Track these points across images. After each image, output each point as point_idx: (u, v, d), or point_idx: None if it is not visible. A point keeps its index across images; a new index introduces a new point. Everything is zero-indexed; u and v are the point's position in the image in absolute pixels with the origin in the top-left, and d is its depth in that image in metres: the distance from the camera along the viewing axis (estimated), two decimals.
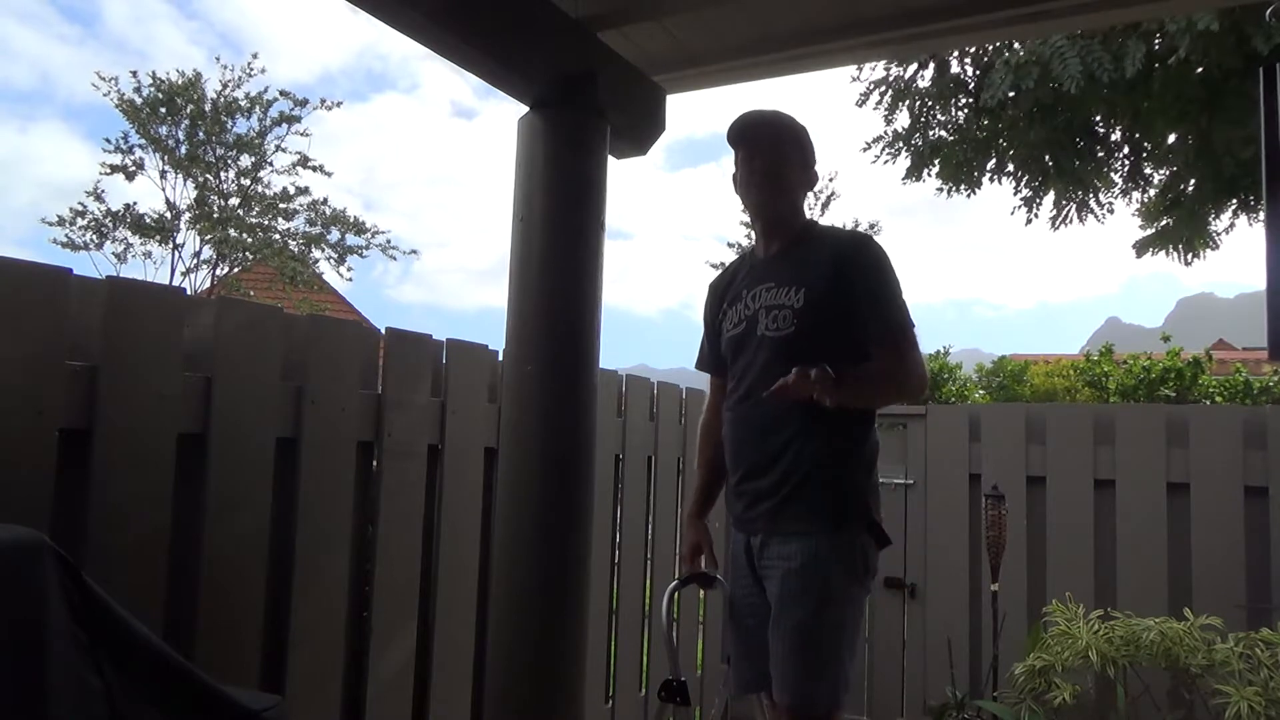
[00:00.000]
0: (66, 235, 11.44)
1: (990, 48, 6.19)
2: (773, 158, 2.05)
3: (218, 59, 13.83)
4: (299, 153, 12.37)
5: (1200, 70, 5.40)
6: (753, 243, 2.27)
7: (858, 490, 1.93)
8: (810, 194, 2.27)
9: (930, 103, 7.18)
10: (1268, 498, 2.96)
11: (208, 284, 11.91)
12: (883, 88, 7.35)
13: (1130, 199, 7.48)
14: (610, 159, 2.38)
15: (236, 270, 12.43)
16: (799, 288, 1.95)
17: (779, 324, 1.95)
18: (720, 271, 2.29)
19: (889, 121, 7.44)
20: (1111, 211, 7.46)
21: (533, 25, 2.17)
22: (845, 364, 1.88)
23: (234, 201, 12.18)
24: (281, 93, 12.13)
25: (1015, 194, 7.40)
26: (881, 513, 2.00)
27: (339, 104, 13.04)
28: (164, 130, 11.57)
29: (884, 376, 1.92)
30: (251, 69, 12.00)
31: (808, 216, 2.16)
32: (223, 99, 11.78)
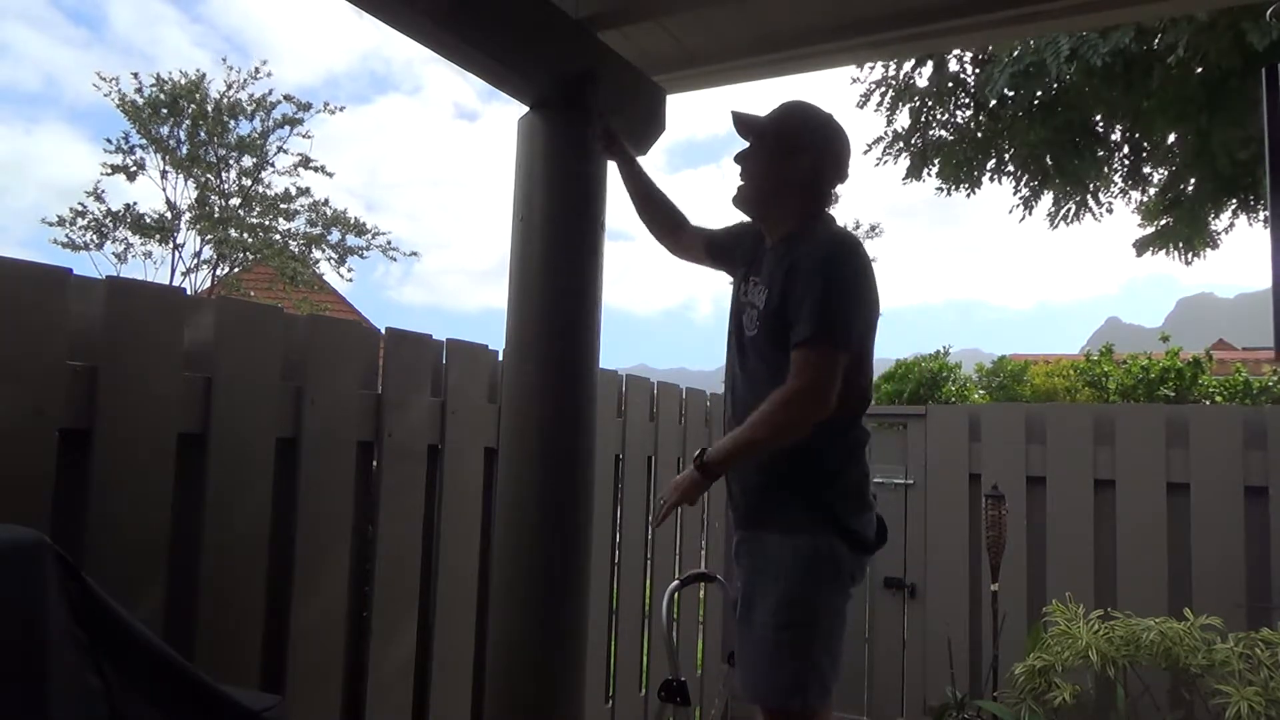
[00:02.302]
0: (67, 235, 11.46)
1: (990, 46, 6.19)
2: (744, 161, 1.99)
3: (224, 60, 13.84)
4: (301, 154, 12.39)
5: (1200, 70, 5.41)
6: None
7: (817, 494, 1.84)
8: (819, 182, 1.98)
9: (930, 102, 7.19)
10: (1268, 498, 2.95)
11: (208, 284, 11.91)
12: (883, 88, 7.36)
13: (1130, 199, 7.49)
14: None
15: (237, 270, 12.43)
16: (766, 289, 1.90)
17: (750, 324, 1.93)
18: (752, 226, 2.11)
19: (889, 122, 7.45)
20: (1111, 211, 7.48)
21: (533, 25, 2.17)
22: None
23: (235, 202, 12.18)
24: (285, 96, 12.15)
25: (1015, 193, 7.41)
26: (874, 511, 1.92)
27: (342, 109, 13.07)
28: (165, 130, 11.58)
29: (759, 422, 1.77)
30: (258, 73, 12.03)
31: (814, 211, 1.96)
32: (226, 100, 11.79)
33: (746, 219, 2.11)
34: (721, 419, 2.87)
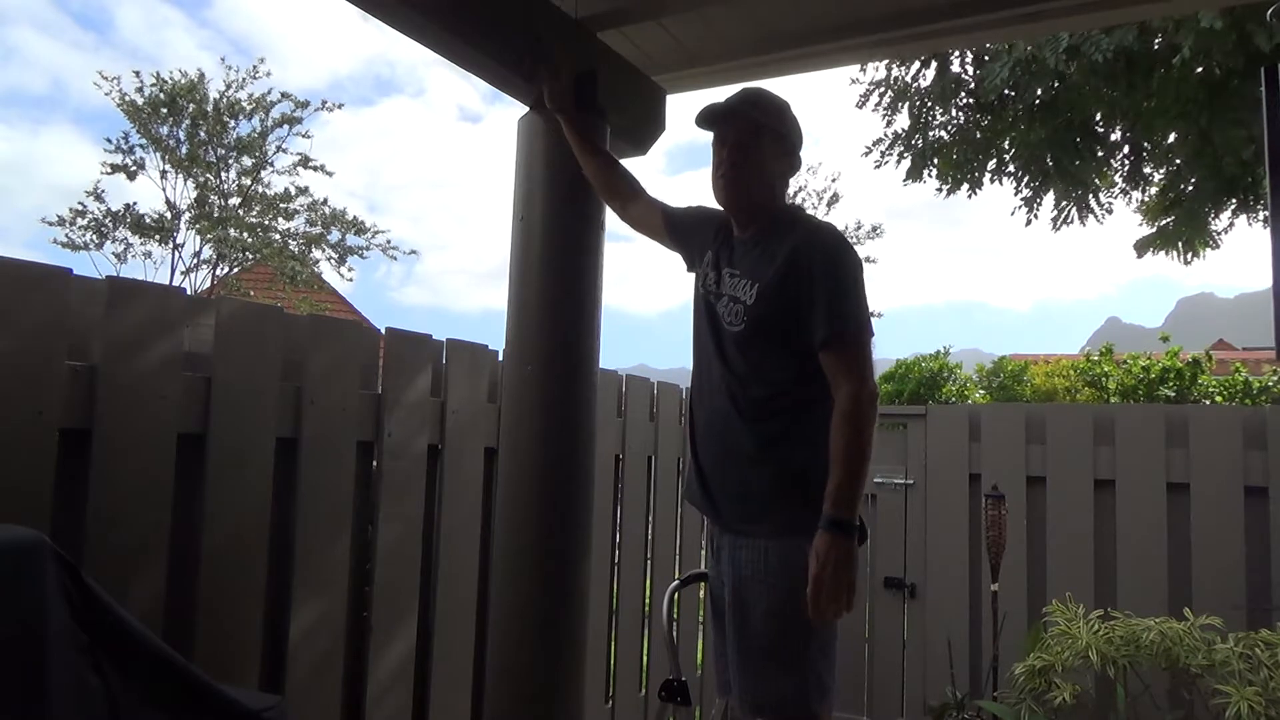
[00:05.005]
0: (67, 235, 11.46)
1: (990, 45, 6.19)
2: (747, 151, 1.89)
3: (223, 59, 13.85)
4: (300, 153, 12.39)
5: (1201, 70, 5.41)
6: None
7: (809, 494, 1.75)
8: (791, 179, 2.04)
9: (930, 103, 7.20)
10: (1268, 498, 2.95)
11: (208, 284, 11.91)
12: (882, 88, 7.36)
13: (1130, 199, 7.49)
14: None
15: (236, 270, 12.43)
16: (754, 283, 1.85)
17: (732, 318, 1.87)
18: (717, 211, 2.06)
19: (889, 123, 7.46)
20: (1111, 211, 7.47)
21: (533, 26, 2.17)
22: (789, 367, 1.81)
23: (234, 201, 12.18)
24: (284, 94, 12.14)
25: (1016, 194, 7.41)
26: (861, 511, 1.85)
27: (340, 106, 13.07)
28: (165, 130, 11.58)
29: (848, 445, 1.70)
30: (257, 72, 12.02)
31: (786, 202, 2.01)
32: (225, 99, 11.79)
33: (705, 203, 2.08)
34: None
